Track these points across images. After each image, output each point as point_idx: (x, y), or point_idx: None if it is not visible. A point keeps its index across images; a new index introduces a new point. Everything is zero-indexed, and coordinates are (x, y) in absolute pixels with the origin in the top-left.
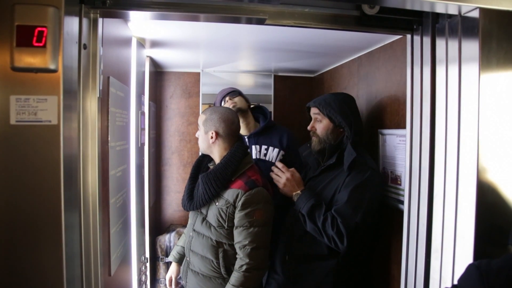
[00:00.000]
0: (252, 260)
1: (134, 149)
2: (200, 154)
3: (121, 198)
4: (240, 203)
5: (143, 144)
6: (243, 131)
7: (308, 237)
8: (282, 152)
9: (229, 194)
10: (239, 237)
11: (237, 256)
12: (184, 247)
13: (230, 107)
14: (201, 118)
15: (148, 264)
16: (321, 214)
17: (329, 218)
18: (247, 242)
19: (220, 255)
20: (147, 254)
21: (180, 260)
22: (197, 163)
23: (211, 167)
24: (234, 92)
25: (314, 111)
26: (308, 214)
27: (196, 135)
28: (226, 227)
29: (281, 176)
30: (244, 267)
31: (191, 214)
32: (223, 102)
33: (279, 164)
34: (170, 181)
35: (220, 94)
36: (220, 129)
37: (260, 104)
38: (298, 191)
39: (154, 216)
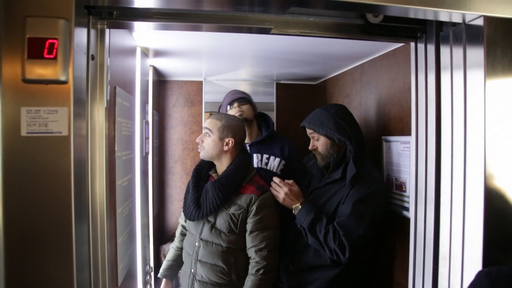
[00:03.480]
0: (268, 263)
1: (139, 158)
2: (199, 162)
3: (127, 207)
4: (254, 207)
5: (147, 153)
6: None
7: (311, 248)
8: (283, 162)
9: (242, 200)
10: (255, 241)
11: (251, 260)
12: (174, 262)
13: (236, 114)
14: (215, 123)
15: (152, 274)
16: (322, 227)
17: (330, 231)
18: (263, 245)
19: (232, 261)
20: (152, 264)
21: (171, 275)
22: (196, 172)
23: (214, 175)
24: (243, 99)
25: (309, 131)
26: (309, 228)
27: (199, 140)
28: (237, 232)
29: (279, 191)
30: (261, 270)
31: (191, 225)
32: (229, 107)
33: (276, 179)
34: (174, 190)
35: (229, 96)
36: (238, 136)
37: (264, 112)
38: (298, 204)
39: (157, 225)
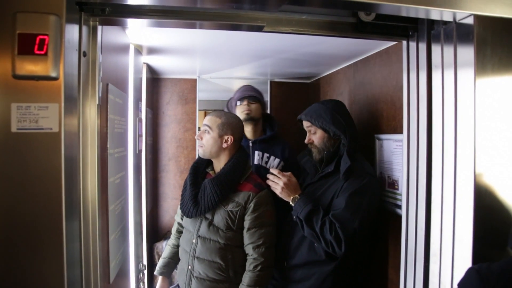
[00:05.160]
0: (266, 259)
1: (132, 156)
2: (196, 160)
3: (119, 205)
4: (252, 204)
5: (140, 151)
6: (249, 135)
7: (306, 244)
8: (282, 163)
9: (240, 197)
10: (252, 238)
11: (248, 257)
12: (170, 259)
13: (244, 112)
14: (215, 120)
15: (145, 272)
16: (318, 219)
17: (327, 223)
18: (261, 242)
19: (229, 257)
20: (145, 262)
21: (168, 273)
22: (194, 170)
23: (211, 172)
24: (254, 98)
25: (306, 124)
26: (306, 219)
27: (198, 137)
28: (235, 229)
29: (278, 182)
30: (259, 267)
31: (188, 222)
32: (238, 102)
33: (275, 171)
34: (167, 188)
35: (241, 92)
36: (236, 134)
37: (269, 114)
38: (296, 195)
39: (151, 223)
